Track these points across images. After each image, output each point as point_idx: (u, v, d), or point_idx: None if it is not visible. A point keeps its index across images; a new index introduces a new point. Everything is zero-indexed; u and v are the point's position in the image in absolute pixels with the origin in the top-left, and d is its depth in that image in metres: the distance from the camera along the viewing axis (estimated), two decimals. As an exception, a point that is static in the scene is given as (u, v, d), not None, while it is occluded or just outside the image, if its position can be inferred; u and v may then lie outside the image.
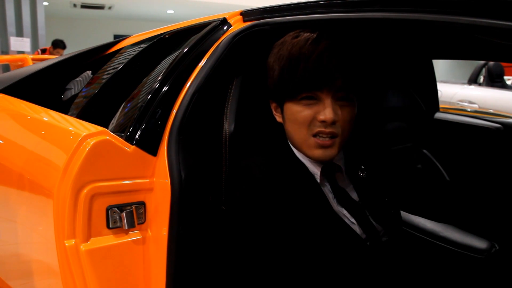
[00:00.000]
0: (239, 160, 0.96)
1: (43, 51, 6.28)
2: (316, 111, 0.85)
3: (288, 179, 0.88)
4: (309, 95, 0.85)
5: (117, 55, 1.53)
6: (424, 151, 1.78)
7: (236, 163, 0.96)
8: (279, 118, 0.93)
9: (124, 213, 0.93)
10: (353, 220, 0.90)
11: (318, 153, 0.86)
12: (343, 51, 0.84)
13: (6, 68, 5.96)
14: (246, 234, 0.84)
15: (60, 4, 10.18)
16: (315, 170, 0.90)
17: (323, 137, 0.85)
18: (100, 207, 0.91)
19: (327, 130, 0.84)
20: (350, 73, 0.84)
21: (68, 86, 1.63)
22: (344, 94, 0.85)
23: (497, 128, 1.71)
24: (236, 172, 0.94)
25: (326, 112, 0.83)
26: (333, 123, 0.84)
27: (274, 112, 0.95)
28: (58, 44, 6.33)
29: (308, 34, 0.86)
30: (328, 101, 0.83)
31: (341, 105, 0.85)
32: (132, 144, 0.96)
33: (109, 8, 10.74)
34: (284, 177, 0.89)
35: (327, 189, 0.91)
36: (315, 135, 0.85)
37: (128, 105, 1.14)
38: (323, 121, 0.83)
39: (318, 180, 0.90)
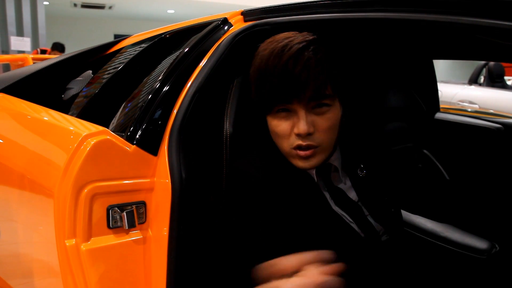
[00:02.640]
0: (233, 161, 0.95)
1: (43, 52, 6.25)
2: (292, 123, 0.83)
3: (286, 179, 0.88)
4: (282, 108, 0.84)
5: (118, 55, 1.53)
6: (425, 151, 1.78)
7: (230, 164, 0.96)
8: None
9: (124, 213, 0.93)
10: (351, 220, 0.90)
11: (301, 164, 0.86)
12: (309, 59, 0.80)
13: (7, 67, 5.97)
14: (246, 234, 0.84)
15: (61, 3, 10.19)
16: (311, 171, 0.90)
17: (302, 149, 0.84)
18: (100, 206, 0.91)
19: (305, 143, 0.82)
20: (322, 80, 0.81)
21: (69, 86, 1.63)
22: (318, 102, 0.82)
23: (497, 128, 1.71)
24: (232, 172, 0.94)
25: (300, 126, 0.81)
26: (309, 134, 0.82)
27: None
28: (57, 47, 6.29)
29: (275, 44, 0.83)
30: (301, 113, 0.82)
31: (318, 113, 0.83)
32: (133, 144, 0.96)
33: (110, 7, 10.74)
34: (282, 176, 0.89)
35: (324, 189, 0.91)
36: (295, 148, 0.84)
37: (129, 104, 1.14)
38: (298, 134, 0.82)
39: (316, 180, 0.90)
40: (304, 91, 0.80)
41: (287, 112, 0.84)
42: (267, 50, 0.84)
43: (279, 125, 0.85)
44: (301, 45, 0.81)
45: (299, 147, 0.83)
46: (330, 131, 0.85)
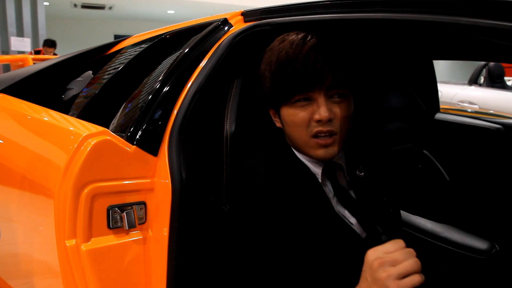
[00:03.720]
0: (243, 160, 0.96)
1: (37, 53, 6.23)
2: (311, 111, 0.85)
3: (291, 179, 0.89)
4: (302, 97, 0.85)
5: (118, 55, 1.53)
6: (425, 151, 1.78)
7: (240, 163, 0.97)
8: (278, 124, 0.94)
9: (124, 213, 0.93)
10: (352, 220, 0.90)
11: (321, 152, 0.87)
12: (330, 49, 0.85)
13: (7, 68, 5.97)
14: (250, 233, 0.84)
15: (61, 4, 10.19)
16: (316, 170, 0.91)
17: (322, 136, 0.85)
18: (101, 207, 0.91)
19: (325, 129, 0.85)
20: (340, 70, 0.84)
21: (69, 86, 1.63)
22: (337, 91, 0.86)
23: (497, 128, 1.71)
24: (241, 171, 0.94)
25: (321, 111, 0.83)
26: (329, 121, 0.84)
27: (273, 118, 0.95)
28: (47, 43, 6.30)
29: (294, 36, 0.87)
30: (321, 100, 0.84)
31: (336, 102, 0.86)
32: (133, 144, 0.96)
33: (110, 8, 10.75)
34: (287, 177, 0.89)
35: (328, 189, 0.91)
36: (314, 136, 0.86)
37: (129, 105, 1.14)
38: (319, 121, 0.84)
39: (320, 180, 0.90)
40: (325, 79, 0.83)
41: (306, 101, 0.86)
42: (285, 42, 0.87)
43: (298, 114, 0.86)
44: (319, 38, 0.86)
45: (319, 133, 0.85)
46: (347, 121, 0.88)
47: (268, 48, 0.91)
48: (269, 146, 0.95)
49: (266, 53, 0.91)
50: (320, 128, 0.85)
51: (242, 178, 0.91)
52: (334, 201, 0.90)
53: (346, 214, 0.90)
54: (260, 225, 0.84)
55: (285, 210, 0.84)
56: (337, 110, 0.86)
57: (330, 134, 0.86)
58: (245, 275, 0.84)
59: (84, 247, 0.89)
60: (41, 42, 7.54)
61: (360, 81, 0.95)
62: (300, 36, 0.86)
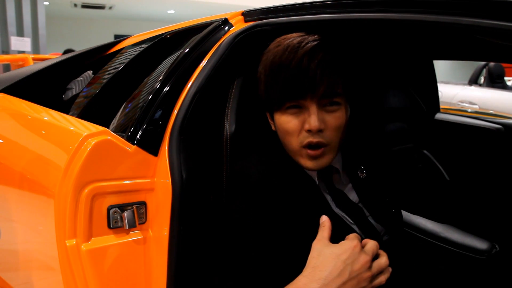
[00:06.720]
0: (235, 161, 0.95)
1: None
2: (302, 120, 0.83)
3: (287, 180, 0.88)
4: (294, 104, 0.83)
5: (118, 55, 1.53)
6: (425, 151, 1.78)
7: (232, 164, 0.96)
8: (273, 127, 0.92)
9: (125, 213, 0.93)
10: (352, 221, 0.90)
11: (310, 164, 0.85)
12: (325, 56, 0.81)
13: (7, 67, 5.97)
14: (246, 235, 0.84)
15: (61, 4, 10.19)
16: (312, 173, 0.90)
17: (312, 147, 0.83)
18: (101, 207, 0.91)
19: (315, 140, 0.82)
20: (334, 78, 0.82)
21: (69, 86, 1.63)
22: (330, 100, 0.83)
23: (497, 129, 1.71)
24: (233, 172, 0.93)
25: (311, 121, 0.81)
26: (320, 131, 0.82)
27: (269, 120, 0.94)
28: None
29: (289, 41, 0.84)
30: (313, 109, 0.81)
31: (329, 111, 0.83)
32: (133, 144, 0.96)
33: (110, 8, 10.74)
34: (282, 178, 0.88)
35: (325, 191, 0.91)
36: (305, 146, 0.84)
37: (129, 105, 1.14)
38: (309, 130, 0.82)
39: (316, 181, 0.90)
40: (318, 87, 0.80)
41: (298, 108, 0.84)
42: (280, 46, 0.84)
43: (289, 122, 0.84)
44: (316, 43, 0.82)
45: (309, 145, 0.83)
46: (339, 130, 0.85)
47: (266, 49, 0.89)
48: (264, 148, 0.94)
49: (264, 55, 0.89)
50: (310, 139, 0.83)
51: (234, 180, 0.90)
52: (332, 203, 0.90)
53: (345, 215, 0.90)
54: (252, 228, 0.83)
55: (280, 212, 0.84)
56: (329, 119, 0.83)
57: (320, 145, 0.83)
58: (244, 276, 0.84)
59: (84, 247, 0.89)
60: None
61: (357, 87, 0.93)
62: (295, 41, 0.83)
